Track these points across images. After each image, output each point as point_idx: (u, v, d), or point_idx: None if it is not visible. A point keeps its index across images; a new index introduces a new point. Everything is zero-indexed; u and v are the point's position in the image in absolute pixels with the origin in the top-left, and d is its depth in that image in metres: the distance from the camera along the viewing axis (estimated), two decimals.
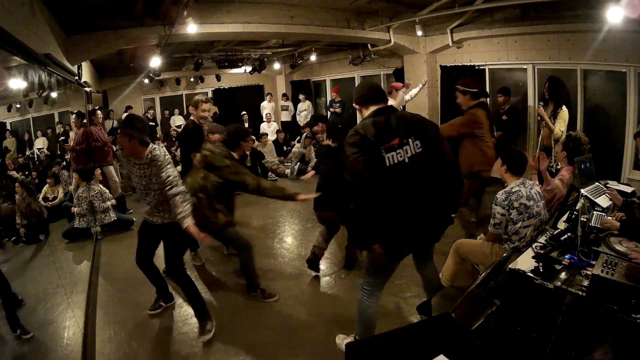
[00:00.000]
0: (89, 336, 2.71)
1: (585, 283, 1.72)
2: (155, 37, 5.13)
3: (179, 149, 6.45)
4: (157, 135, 8.58)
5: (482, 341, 1.74)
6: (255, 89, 10.70)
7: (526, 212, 2.46)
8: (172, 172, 2.36)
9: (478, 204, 4.54)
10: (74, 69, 4.55)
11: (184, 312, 2.97)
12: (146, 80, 8.64)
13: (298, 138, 8.40)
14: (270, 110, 9.25)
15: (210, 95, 9.94)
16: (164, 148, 2.50)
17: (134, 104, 9.05)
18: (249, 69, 9.34)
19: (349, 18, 6.10)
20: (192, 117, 3.76)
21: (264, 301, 3.04)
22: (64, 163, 5.07)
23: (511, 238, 2.54)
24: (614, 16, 3.70)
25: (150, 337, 2.72)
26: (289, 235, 4.56)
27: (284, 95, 10.16)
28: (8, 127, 4.05)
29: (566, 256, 1.95)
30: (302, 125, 9.00)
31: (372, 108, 2.00)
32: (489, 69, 6.24)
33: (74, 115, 5.10)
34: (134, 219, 5.03)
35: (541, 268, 1.90)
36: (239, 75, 10.18)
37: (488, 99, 4.79)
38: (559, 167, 3.64)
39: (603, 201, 2.70)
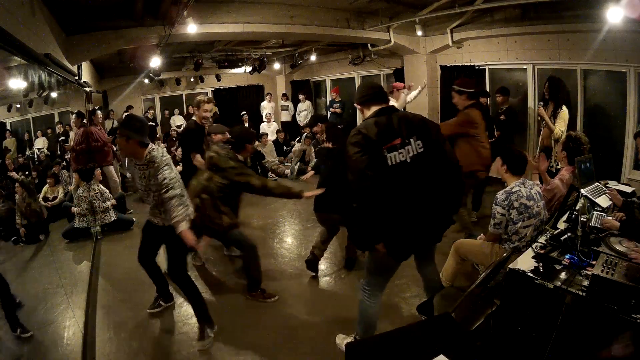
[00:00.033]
0: (89, 336, 2.71)
1: (585, 283, 1.72)
2: (155, 37, 5.13)
3: (179, 149, 6.47)
4: (157, 135, 8.58)
5: (482, 341, 1.74)
6: (255, 89, 10.70)
7: (526, 212, 2.46)
8: (168, 174, 2.31)
9: (477, 204, 4.55)
10: (74, 69, 4.55)
11: (184, 312, 2.96)
12: (146, 80, 8.64)
13: (298, 138, 8.40)
14: (270, 110, 9.25)
15: (210, 95, 9.94)
16: (164, 149, 2.47)
17: (134, 104, 9.04)
18: (249, 69, 9.34)
19: (349, 18, 6.10)
20: (194, 117, 3.75)
21: (264, 301, 3.04)
22: (64, 163, 5.07)
23: (511, 238, 2.54)
24: (614, 16, 3.69)
25: (150, 337, 2.73)
26: (289, 235, 4.56)
27: (284, 95, 10.16)
28: (8, 127, 4.05)
29: (566, 256, 1.94)
30: (302, 125, 9.00)
31: (374, 108, 2.01)
32: (489, 69, 6.24)
33: (74, 115, 5.10)
34: (134, 219, 5.03)
35: (541, 268, 1.89)
36: (239, 75, 10.18)
37: (488, 99, 4.81)
38: (559, 167, 3.64)
39: (603, 201, 2.69)
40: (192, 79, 9.95)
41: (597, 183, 2.95)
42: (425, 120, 2.03)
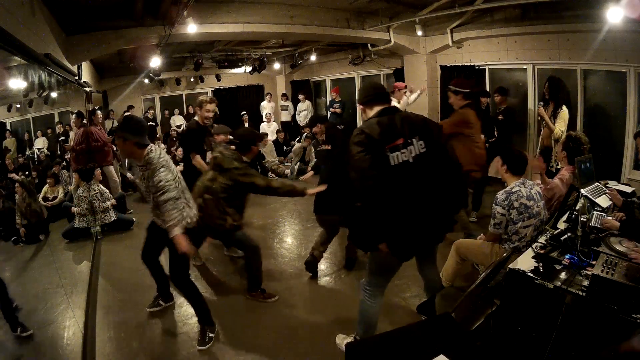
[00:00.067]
0: (89, 336, 2.71)
1: (585, 283, 1.72)
2: (155, 37, 5.13)
3: (179, 149, 6.47)
4: (157, 135, 8.58)
5: (482, 341, 1.74)
6: (255, 89, 10.70)
7: (526, 212, 2.46)
8: (164, 176, 2.26)
9: (477, 204, 4.55)
10: (74, 69, 4.55)
11: (184, 312, 2.96)
12: (146, 80, 8.64)
13: (298, 138, 8.41)
14: (270, 110, 9.25)
15: (210, 94, 9.94)
16: (162, 149, 2.45)
17: (134, 104, 9.03)
18: (249, 69, 9.34)
19: (349, 18, 6.10)
20: (196, 117, 3.74)
21: (264, 301, 3.04)
22: (64, 163, 5.07)
23: (511, 238, 2.54)
24: (614, 16, 3.70)
25: (150, 337, 2.72)
26: (289, 235, 4.56)
27: (284, 95, 10.17)
28: (8, 127, 4.05)
29: (566, 256, 1.95)
30: (301, 125, 8.99)
31: (377, 108, 2.02)
32: (489, 69, 6.24)
33: (74, 115, 5.09)
34: (134, 219, 5.03)
35: (541, 268, 1.90)
36: (239, 75, 10.18)
37: (489, 99, 4.81)
38: (559, 167, 3.64)
39: (603, 201, 2.70)
40: (192, 79, 9.95)
41: (597, 183, 2.96)
42: (427, 120, 2.04)
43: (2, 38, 2.13)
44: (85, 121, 5.16)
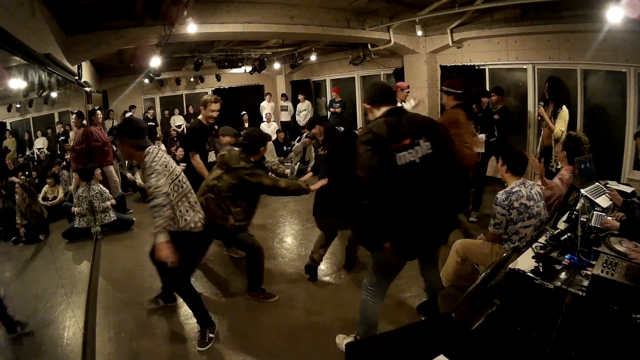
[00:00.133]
0: (89, 336, 2.71)
1: (585, 283, 1.72)
2: (155, 37, 5.13)
3: (179, 149, 6.47)
4: (157, 135, 8.58)
5: (482, 341, 1.74)
6: (255, 89, 10.70)
7: (526, 212, 2.46)
8: (154, 182, 2.22)
9: (477, 204, 4.55)
10: (74, 69, 4.55)
11: (184, 312, 2.96)
12: (146, 80, 8.64)
13: (298, 138, 8.41)
14: (270, 110, 9.26)
15: (207, 95, 9.94)
16: (160, 152, 2.39)
17: (134, 104, 9.03)
18: (249, 69, 9.34)
19: (349, 18, 6.10)
20: (199, 117, 3.72)
21: (264, 301, 3.04)
22: (64, 163, 5.07)
23: (511, 238, 2.54)
24: (614, 16, 3.70)
25: (150, 337, 2.72)
26: (289, 235, 4.56)
27: (283, 95, 10.17)
28: (8, 127, 4.06)
29: (566, 256, 1.95)
30: (301, 125, 8.99)
31: (384, 108, 2.03)
32: (489, 69, 6.24)
33: (74, 115, 5.10)
34: (134, 219, 5.03)
35: (541, 268, 1.90)
36: (239, 75, 10.18)
37: (489, 99, 4.81)
38: (559, 167, 3.65)
39: (603, 201, 2.70)
40: (192, 79, 9.95)
41: (597, 183, 2.96)
42: (434, 122, 2.07)
43: (2, 38, 2.13)
44: (85, 121, 5.16)
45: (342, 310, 2.85)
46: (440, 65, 6.91)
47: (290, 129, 9.70)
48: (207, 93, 9.91)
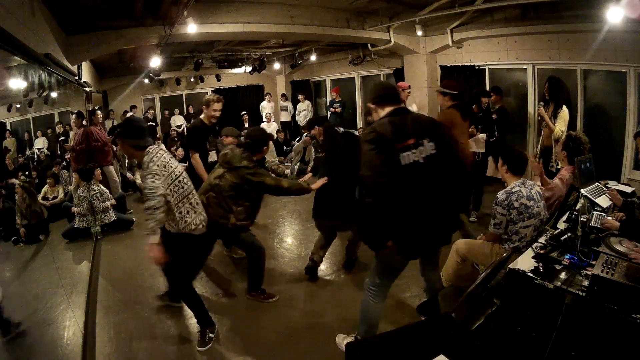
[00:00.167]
0: (89, 336, 2.71)
1: (585, 283, 1.72)
2: (155, 37, 5.13)
3: (179, 149, 6.47)
4: (157, 135, 8.58)
5: (482, 341, 1.74)
6: (255, 89, 10.70)
7: (526, 212, 2.46)
8: (150, 183, 2.20)
9: (477, 204, 4.55)
10: (74, 69, 4.55)
11: (184, 312, 2.96)
12: (146, 80, 8.64)
13: (298, 138, 8.41)
14: (270, 110, 9.26)
15: (208, 95, 9.94)
16: (159, 152, 2.35)
17: (134, 104, 9.04)
18: (249, 69, 9.34)
19: (349, 18, 6.10)
20: (201, 116, 3.71)
21: (264, 301, 3.04)
22: (64, 163, 5.08)
23: (511, 238, 2.54)
24: (614, 16, 3.70)
25: (150, 337, 2.72)
26: (289, 235, 4.56)
27: (283, 95, 10.18)
28: (8, 127, 4.06)
29: (566, 256, 1.95)
30: (301, 125, 8.98)
31: (388, 108, 2.04)
32: (489, 69, 6.24)
33: (74, 115, 5.10)
34: (134, 219, 5.03)
35: (541, 268, 1.90)
36: (239, 75, 10.19)
37: (489, 99, 4.81)
38: (559, 167, 3.65)
39: (603, 201, 2.70)
40: (192, 79, 9.95)
41: (597, 183, 2.95)
42: (438, 123, 2.09)
43: (2, 38, 2.13)
44: (85, 121, 5.16)
45: (342, 310, 2.85)
46: (440, 65, 6.91)
47: (290, 129, 9.70)
48: (207, 93, 9.90)
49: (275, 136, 8.55)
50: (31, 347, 2.63)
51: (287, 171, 6.82)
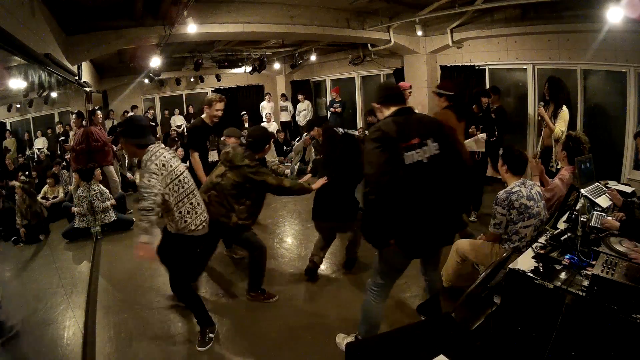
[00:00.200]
0: (89, 336, 2.71)
1: (585, 283, 1.72)
2: (155, 37, 5.13)
3: (179, 149, 6.46)
4: (157, 135, 8.59)
5: (482, 341, 1.74)
6: (255, 89, 10.70)
7: (526, 212, 2.46)
8: (146, 182, 2.16)
9: (477, 204, 4.55)
10: (74, 69, 4.55)
11: (185, 312, 2.96)
12: (146, 80, 8.64)
13: (298, 138, 8.41)
14: (270, 110, 9.26)
15: (210, 94, 9.94)
16: (159, 151, 2.31)
17: (134, 104, 9.05)
18: (249, 69, 9.35)
19: (349, 18, 6.10)
20: (203, 115, 3.70)
21: (264, 302, 3.04)
22: (64, 163, 5.08)
23: (511, 238, 2.54)
24: (614, 16, 3.70)
25: (150, 337, 2.72)
26: (289, 235, 4.56)
27: (283, 95, 10.18)
28: (8, 127, 4.06)
29: (566, 256, 1.95)
30: (301, 125, 8.97)
31: (393, 108, 2.06)
32: (489, 69, 6.24)
33: (74, 115, 5.10)
34: (134, 219, 5.03)
35: (541, 268, 1.90)
36: (239, 75, 10.19)
37: (490, 99, 4.81)
38: (559, 167, 3.65)
39: (603, 201, 2.70)
40: (192, 79, 9.95)
41: (597, 183, 2.96)
42: (442, 123, 2.10)
43: (2, 38, 2.13)
44: (85, 121, 5.17)
45: (342, 310, 2.85)
46: (440, 66, 6.91)
47: (290, 129, 9.70)
48: (207, 93, 9.91)
49: (275, 136, 8.56)
50: (31, 347, 2.63)
51: (287, 171, 6.83)
